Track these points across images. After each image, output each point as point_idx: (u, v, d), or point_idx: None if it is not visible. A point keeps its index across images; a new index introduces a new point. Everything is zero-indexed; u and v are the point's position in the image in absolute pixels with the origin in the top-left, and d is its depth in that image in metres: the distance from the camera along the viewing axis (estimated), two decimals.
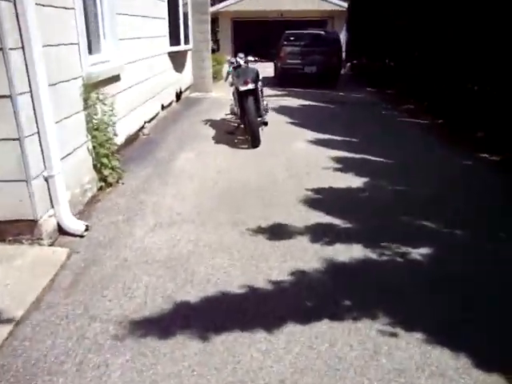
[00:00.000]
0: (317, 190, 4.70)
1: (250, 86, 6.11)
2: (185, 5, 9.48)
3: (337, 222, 3.92)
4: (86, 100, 4.13)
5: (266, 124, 6.75)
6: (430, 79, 9.47)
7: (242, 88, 6.16)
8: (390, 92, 12.02)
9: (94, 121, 4.32)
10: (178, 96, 9.73)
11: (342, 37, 17.53)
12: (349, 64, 17.33)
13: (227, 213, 4.11)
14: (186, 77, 10.51)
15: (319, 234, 3.69)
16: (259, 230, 3.75)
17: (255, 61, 7.51)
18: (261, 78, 7.30)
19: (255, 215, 4.04)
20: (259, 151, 6.24)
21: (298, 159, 5.85)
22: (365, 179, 5.05)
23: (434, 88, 9.25)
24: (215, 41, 23.18)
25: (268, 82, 13.81)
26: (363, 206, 4.38)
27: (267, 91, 12.08)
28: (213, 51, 21.99)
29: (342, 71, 15.82)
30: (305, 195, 4.55)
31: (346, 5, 18.92)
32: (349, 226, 3.86)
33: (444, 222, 3.93)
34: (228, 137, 6.88)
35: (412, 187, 4.85)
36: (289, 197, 4.51)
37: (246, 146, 6.40)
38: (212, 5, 22.77)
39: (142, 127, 6.85)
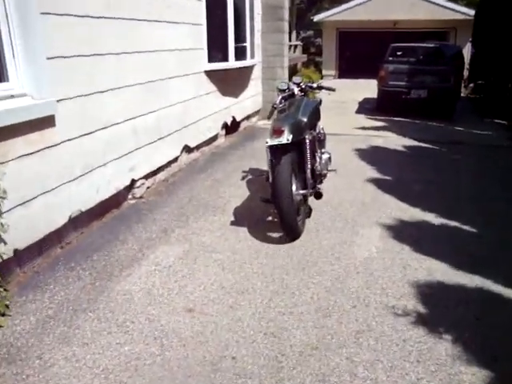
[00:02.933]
0: None
1: (282, 139, 3.50)
2: (244, 7, 7.03)
3: None
4: None
5: (319, 196, 4.06)
6: None
7: (270, 141, 3.56)
8: None
9: None
10: (232, 127, 7.34)
11: (466, 52, 14.01)
12: (472, 85, 13.70)
13: None
14: (248, 101, 8.08)
15: None
16: None
17: (319, 88, 4.85)
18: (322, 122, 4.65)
19: None
20: (298, 253, 3.61)
21: (363, 279, 3.11)
22: None
23: None
24: (313, 53, 20.66)
25: (369, 106, 10.95)
26: None
27: (362, 120, 9.37)
28: (313, 65, 19.57)
29: (463, 92, 12.37)
30: None
31: (472, 13, 15.23)
32: None
33: None
34: (260, 208, 4.31)
35: None
36: None
37: (280, 235, 3.79)
38: (314, 14, 20.46)
39: (131, 186, 4.52)
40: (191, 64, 5.65)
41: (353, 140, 7.51)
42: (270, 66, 8.84)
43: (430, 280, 3.18)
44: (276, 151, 3.73)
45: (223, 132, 7.11)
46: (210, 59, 6.07)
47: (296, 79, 4.76)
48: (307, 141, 3.88)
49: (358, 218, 4.26)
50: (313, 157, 4.14)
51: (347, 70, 19.39)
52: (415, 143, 7.43)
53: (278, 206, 3.56)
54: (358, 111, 10.71)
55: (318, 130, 4.48)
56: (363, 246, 3.71)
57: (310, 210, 4.33)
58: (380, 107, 10.29)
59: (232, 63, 6.53)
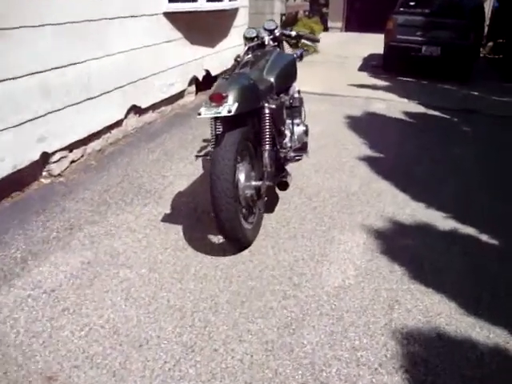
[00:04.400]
0: None
1: (222, 109, 2.37)
2: None
3: None
4: None
5: (284, 186, 2.97)
6: None
7: (203, 111, 2.42)
8: None
9: None
10: (206, 82, 6.13)
11: (487, 6, 12.42)
12: (491, 44, 12.24)
13: None
14: (228, 52, 6.81)
15: None
16: None
17: (298, 37, 3.66)
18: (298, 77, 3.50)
19: None
20: (241, 273, 2.57)
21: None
22: None
23: None
24: (322, 5, 18.92)
25: (374, 63, 9.61)
26: None
27: (364, 79, 8.05)
28: (319, 16, 17.84)
29: (481, 53, 10.97)
30: None
31: None
32: None
33: None
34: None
35: None
36: None
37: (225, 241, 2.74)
38: None
39: (45, 161, 3.43)
40: (142, 3, 4.41)
41: (348, 103, 6.32)
42: (258, 12, 7.56)
43: (429, 332, 2.13)
44: (223, 124, 2.63)
45: (193, 88, 5.92)
46: None
47: (269, 24, 3.56)
48: (266, 110, 2.74)
49: (337, 216, 3.18)
50: (278, 133, 3.02)
51: (356, 22, 17.75)
52: (422, 109, 6.24)
53: (212, 205, 2.48)
54: (361, 68, 9.40)
55: (291, 94, 3.33)
56: (337, 263, 2.64)
57: (276, 200, 3.26)
58: (385, 65, 8.97)
59: (201, 4, 5.25)
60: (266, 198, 2.97)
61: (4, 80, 2.97)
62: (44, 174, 3.50)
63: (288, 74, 3.32)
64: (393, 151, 4.49)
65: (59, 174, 3.57)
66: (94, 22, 3.72)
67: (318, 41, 3.86)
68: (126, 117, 4.42)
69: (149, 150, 4.22)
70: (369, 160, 4.22)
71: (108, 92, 4.02)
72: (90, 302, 2.26)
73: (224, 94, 2.38)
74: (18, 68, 3.07)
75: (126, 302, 2.27)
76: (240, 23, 6.99)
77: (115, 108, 4.18)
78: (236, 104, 2.39)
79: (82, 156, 3.87)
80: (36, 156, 3.30)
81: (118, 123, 4.31)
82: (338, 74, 8.48)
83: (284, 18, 11.47)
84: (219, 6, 5.74)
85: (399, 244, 2.86)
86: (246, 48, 3.45)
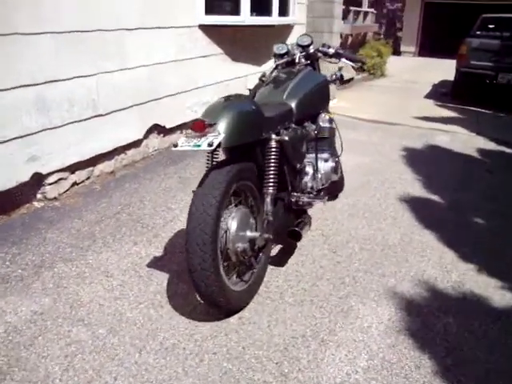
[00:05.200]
0: None
1: (202, 143, 1.85)
2: None
3: None
4: None
5: (295, 237, 2.40)
6: None
7: (180, 143, 1.91)
8: None
9: None
10: None
11: None
12: None
13: None
14: None
15: None
16: None
17: (337, 56, 3.09)
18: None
19: None
20: (218, 356, 2.01)
21: None
22: None
23: None
24: (399, 29, 18.13)
25: (444, 90, 8.78)
26: None
27: (429, 107, 7.22)
28: (392, 39, 17.05)
29: None
30: None
31: None
32: None
33: None
34: None
35: None
36: None
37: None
38: None
39: (40, 183, 3.08)
40: (171, 13, 4.03)
41: (406, 133, 5.62)
42: (315, 31, 7.01)
43: None
44: (213, 158, 2.13)
45: None
46: (209, 10, 4.40)
47: (303, 39, 3.02)
48: (272, 143, 2.19)
49: (362, 278, 2.55)
50: (292, 171, 2.46)
51: (430, 47, 16.80)
52: (493, 146, 5.41)
53: (186, 262, 1.95)
54: (429, 96, 8.61)
55: (318, 123, 2.76)
56: (346, 347, 2.01)
57: (293, 249, 2.70)
58: (455, 93, 8.13)
59: (245, 18, 4.81)
60: (266, 252, 2.40)
61: None
62: (38, 196, 3.15)
63: (315, 99, 2.76)
64: (450, 196, 3.76)
65: (55, 198, 3.20)
66: (109, 32, 3.37)
67: (362, 62, 3.25)
68: (145, 137, 4.03)
69: (164, 176, 3.78)
70: (418, 204, 3.54)
71: (123, 109, 3.64)
72: (19, 371, 1.79)
73: (207, 123, 1.87)
74: (8, 79, 2.73)
75: (62, 376, 1.78)
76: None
77: (132, 127, 3.79)
78: (222, 135, 1.87)
79: (88, 178, 3.49)
80: (25, 177, 2.95)
81: (136, 144, 3.92)
82: (400, 101, 7.77)
83: (350, 38, 10.90)
84: (266, 22, 5.28)
85: (435, 325, 2.18)
86: (274, 66, 2.95)
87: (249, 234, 2.15)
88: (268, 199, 2.18)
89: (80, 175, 3.40)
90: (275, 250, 2.76)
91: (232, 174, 1.99)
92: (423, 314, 2.26)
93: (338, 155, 3.06)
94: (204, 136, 1.88)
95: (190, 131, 1.92)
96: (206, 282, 1.91)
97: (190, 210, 1.92)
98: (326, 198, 2.69)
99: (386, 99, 7.83)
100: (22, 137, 2.86)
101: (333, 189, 3.33)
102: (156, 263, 2.58)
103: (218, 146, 1.89)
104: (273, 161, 2.19)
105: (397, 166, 4.43)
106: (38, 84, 2.91)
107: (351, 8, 10.95)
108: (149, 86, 3.88)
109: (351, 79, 9.38)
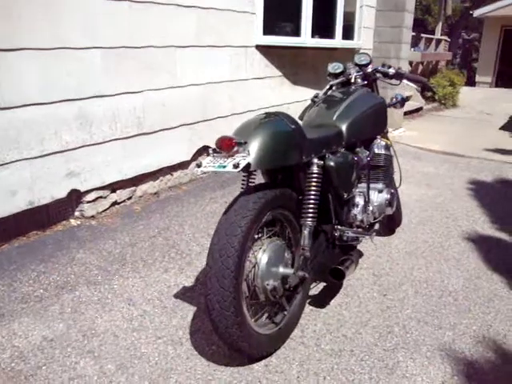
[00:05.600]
0: None
1: (227, 163, 1.64)
2: None
3: None
4: None
5: (337, 276, 2.11)
6: None
7: (205, 163, 1.70)
8: None
9: None
10: None
11: None
12: None
13: None
14: None
15: None
16: None
17: (398, 76, 2.80)
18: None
19: None
20: None
21: None
22: None
23: None
24: (475, 59, 17.35)
25: None
26: None
27: (504, 140, 6.59)
28: (467, 69, 16.32)
29: None
30: None
31: None
32: None
33: None
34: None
35: None
36: None
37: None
38: (473, 8, 17.17)
39: (78, 200, 2.99)
40: (227, 32, 3.91)
41: (476, 166, 5.14)
42: (382, 56, 6.72)
43: None
44: (248, 181, 1.92)
45: None
46: (268, 30, 4.26)
47: (360, 58, 2.76)
48: (314, 168, 1.94)
49: (415, 328, 2.20)
50: (338, 201, 2.18)
51: (507, 77, 15.86)
52: None
53: (204, 299, 1.72)
54: (504, 128, 7.97)
55: (373, 149, 2.48)
56: None
57: (338, 287, 2.41)
58: None
59: (305, 40, 4.63)
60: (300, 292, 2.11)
61: (27, 105, 2.58)
62: (76, 214, 3.06)
63: (370, 122, 2.48)
64: None
65: (93, 216, 3.10)
66: (159, 48, 3.28)
67: (425, 83, 2.93)
68: (194, 159, 3.89)
69: (210, 200, 3.61)
70: (486, 246, 3.11)
71: (170, 128, 3.53)
72: None
73: (235, 141, 1.65)
74: (53, 92, 2.67)
75: None
76: None
77: (179, 147, 3.67)
78: (253, 156, 1.64)
79: (130, 198, 3.38)
80: (62, 193, 2.87)
81: (183, 165, 3.79)
82: (472, 132, 7.24)
83: (421, 66, 10.46)
84: (328, 44, 5.07)
85: None
86: (328, 86, 2.72)
87: (281, 270, 1.89)
88: (306, 232, 1.91)
89: (121, 195, 3.30)
90: (317, 288, 2.47)
91: (265, 200, 1.76)
92: (487, 382, 1.87)
93: (396, 186, 2.75)
94: (231, 156, 1.66)
95: (216, 150, 1.70)
96: (225, 322, 1.66)
97: (212, 241, 1.69)
98: (375, 233, 2.38)
99: (456, 130, 7.33)
100: (61, 152, 2.79)
101: (389, 223, 3.03)
102: (184, 294, 2.37)
103: (248, 167, 1.67)
104: (314, 188, 1.93)
105: (464, 201, 3.99)
106: (82, 99, 2.85)
107: (422, 35, 10.54)
108: (199, 105, 3.75)
109: (420, 109, 8.94)
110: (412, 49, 9.76)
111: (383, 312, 2.31)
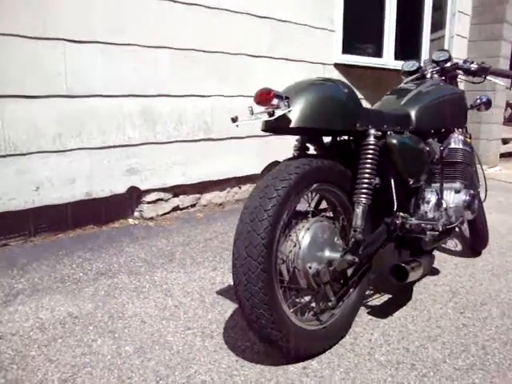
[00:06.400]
0: None
1: (264, 115, 1.44)
2: None
3: None
4: None
5: (401, 275, 1.79)
6: None
7: (241, 119, 1.53)
8: None
9: None
10: None
11: None
12: None
13: None
14: None
15: None
16: None
17: (481, 72, 2.49)
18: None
19: None
20: None
21: None
22: None
23: None
24: None
25: None
26: None
27: None
28: None
29: None
30: None
31: None
32: None
33: None
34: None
35: None
36: None
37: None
38: None
39: (138, 199, 2.95)
40: (304, 46, 3.81)
41: None
42: (475, 90, 6.25)
43: None
44: (295, 148, 1.74)
45: None
46: (347, 49, 4.12)
47: (438, 55, 2.52)
48: (371, 139, 1.68)
49: (497, 349, 1.77)
50: (401, 187, 1.89)
51: None
52: None
53: (233, 279, 1.48)
54: None
55: (449, 143, 2.16)
56: None
57: (406, 299, 2.07)
58: None
59: (387, 61, 4.41)
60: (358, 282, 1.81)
61: (93, 96, 2.61)
62: (136, 214, 3.01)
63: (445, 112, 2.18)
64: None
65: (151, 218, 3.02)
66: (231, 55, 3.25)
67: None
68: (264, 173, 3.72)
69: None
70: None
71: (239, 138, 3.43)
72: (17, 369, 1.48)
73: (274, 93, 1.46)
74: (116, 86, 2.70)
75: None
76: None
77: (248, 159, 3.54)
78: (294, 111, 1.45)
79: (193, 206, 3.29)
80: (121, 188, 2.83)
81: (253, 178, 3.64)
82: None
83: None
84: None
85: None
86: (403, 83, 2.50)
87: (328, 254, 1.62)
88: (358, 210, 1.63)
89: (184, 200, 3.21)
90: (380, 299, 2.13)
91: (309, 167, 1.53)
92: None
93: (478, 189, 2.38)
94: (269, 110, 1.48)
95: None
96: (252, 299, 1.42)
97: (245, 205, 1.50)
98: (448, 237, 2.03)
99: None
100: (122, 146, 2.77)
101: (473, 241, 2.64)
102: (228, 292, 2.15)
103: (288, 123, 1.47)
104: (369, 161, 1.67)
105: None
106: (147, 96, 2.85)
107: None
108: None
109: None
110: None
111: (458, 330, 1.91)
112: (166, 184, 3.05)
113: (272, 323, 1.44)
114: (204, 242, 2.76)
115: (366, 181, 1.65)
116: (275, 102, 1.47)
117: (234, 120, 1.54)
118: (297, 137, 1.83)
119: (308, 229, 1.59)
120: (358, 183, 1.66)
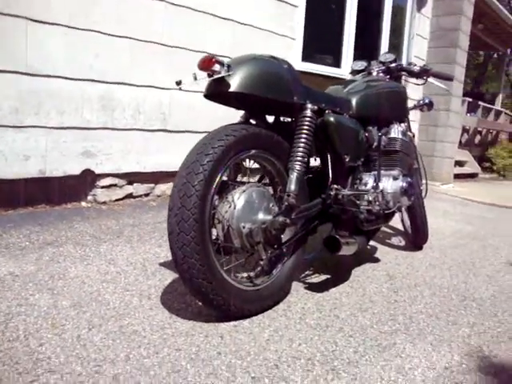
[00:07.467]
0: None
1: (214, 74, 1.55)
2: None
3: None
4: None
5: (332, 246, 1.89)
6: None
7: (184, 82, 1.62)
8: None
9: None
10: None
11: None
12: None
13: None
14: None
15: None
16: None
17: (423, 74, 2.68)
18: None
19: None
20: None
21: None
22: None
23: None
24: None
25: None
26: None
27: None
28: None
29: None
30: None
31: None
32: None
33: None
34: None
35: None
36: None
37: None
38: None
39: (92, 184, 2.97)
40: (263, 51, 3.93)
41: None
42: (430, 124, 6.58)
43: None
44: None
45: None
46: (307, 57, 4.29)
47: (385, 56, 2.69)
48: (308, 112, 1.79)
49: (423, 319, 1.88)
50: (337, 164, 2.00)
51: None
52: None
53: (169, 244, 1.55)
54: None
55: (389, 132, 2.31)
56: None
57: (342, 277, 2.16)
58: None
59: (346, 72, 4.59)
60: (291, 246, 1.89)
61: (54, 76, 2.66)
62: (89, 198, 3.03)
63: (386, 104, 2.33)
64: None
65: (104, 202, 3.05)
66: (191, 52, 3.35)
67: (451, 79, 2.79)
68: None
69: None
70: None
71: (195, 132, 3.50)
72: None
73: (216, 59, 1.56)
74: (77, 69, 2.76)
75: None
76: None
77: None
78: (234, 76, 1.55)
79: (147, 195, 3.33)
80: (75, 170, 2.86)
81: None
82: None
83: (479, 136, 10.13)
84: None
85: None
86: (352, 76, 2.66)
87: (261, 216, 1.70)
88: (292, 176, 1.73)
89: (138, 188, 3.25)
90: (319, 278, 2.23)
91: (240, 134, 1.62)
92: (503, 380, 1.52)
93: (420, 182, 2.53)
94: (208, 73, 1.57)
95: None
96: (184, 248, 1.48)
97: (178, 174, 1.57)
98: (386, 222, 2.16)
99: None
100: (80, 128, 2.81)
101: (414, 237, 2.79)
102: (171, 264, 2.19)
103: (227, 87, 1.56)
104: (305, 131, 1.77)
105: (510, 236, 3.60)
106: (107, 82, 2.90)
107: (480, 103, 10.29)
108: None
109: (475, 175, 8.52)
110: (468, 114, 9.52)
111: (389, 304, 2.01)
112: (120, 170, 3.09)
113: (203, 274, 1.51)
114: (153, 224, 2.80)
115: (300, 149, 1.75)
116: (217, 67, 1.56)
117: (178, 83, 1.62)
118: (241, 113, 1.92)
119: (244, 191, 1.67)
120: (293, 151, 1.76)
